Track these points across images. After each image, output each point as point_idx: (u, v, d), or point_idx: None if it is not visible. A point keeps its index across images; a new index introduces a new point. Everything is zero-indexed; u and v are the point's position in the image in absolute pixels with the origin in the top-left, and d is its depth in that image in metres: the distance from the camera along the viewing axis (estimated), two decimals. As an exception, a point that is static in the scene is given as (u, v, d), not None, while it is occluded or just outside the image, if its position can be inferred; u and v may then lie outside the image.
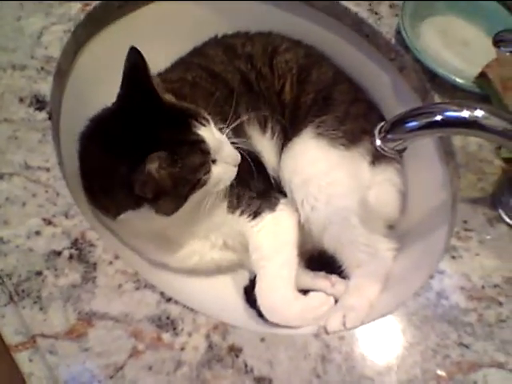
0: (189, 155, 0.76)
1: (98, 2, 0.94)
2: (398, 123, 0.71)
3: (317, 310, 0.84)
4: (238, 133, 0.91)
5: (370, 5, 1.00)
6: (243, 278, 0.93)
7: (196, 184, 0.78)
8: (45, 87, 0.84)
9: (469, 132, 0.70)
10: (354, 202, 0.90)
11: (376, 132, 0.72)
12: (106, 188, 0.79)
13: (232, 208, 0.87)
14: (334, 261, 0.90)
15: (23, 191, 0.75)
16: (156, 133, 0.75)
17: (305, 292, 0.87)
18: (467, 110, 0.66)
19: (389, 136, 0.71)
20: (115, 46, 0.93)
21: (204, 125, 0.79)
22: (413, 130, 0.70)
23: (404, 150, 0.73)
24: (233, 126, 0.86)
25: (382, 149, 0.72)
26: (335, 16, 1.02)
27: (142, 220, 0.79)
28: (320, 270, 0.93)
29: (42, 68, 0.86)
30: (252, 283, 0.87)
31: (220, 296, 0.90)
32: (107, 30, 0.99)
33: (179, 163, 0.75)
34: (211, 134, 0.79)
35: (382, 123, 0.73)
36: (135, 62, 0.78)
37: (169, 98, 0.82)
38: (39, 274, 0.69)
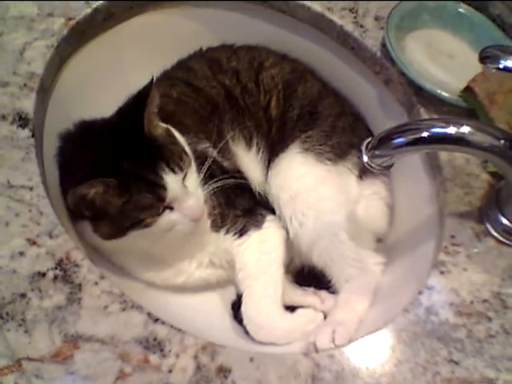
0: (139, 193, 0.74)
1: (81, 16, 0.94)
2: (385, 140, 0.71)
3: (305, 326, 0.84)
4: (223, 150, 0.92)
5: (355, 18, 1.00)
6: (231, 294, 0.93)
7: (137, 223, 0.76)
8: (28, 104, 0.83)
9: (455, 148, 0.71)
10: (342, 217, 0.90)
11: (363, 148, 0.73)
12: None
13: (216, 227, 0.87)
14: (322, 276, 0.91)
15: (6, 211, 0.74)
16: (120, 160, 0.74)
17: (294, 308, 0.87)
18: (454, 126, 0.67)
19: (376, 152, 0.72)
20: (99, 60, 0.94)
21: (174, 172, 0.77)
22: (400, 146, 0.70)
23: (391, 166, 0.74)
24: (219, 146, 0.86)
25: (369, 165, 0.72)
26: (320, 29, 1.03)
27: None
28: (309, 285, 0.94)
29: (25, 84, 0.85)
30: (239, 299, 0.87)
31: (208, 313, 0.90)
32: (91, 44, 0.98)
33: (125, 196, 0.74)
34: (177, 182, 0.77)
35: (369, 139, 0.73)
36: (145, 91, 0.78)
37: (161, 130, 0.81)
38: (23, 296, 0.68)
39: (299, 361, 0.68)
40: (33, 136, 0.81)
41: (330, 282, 0.90)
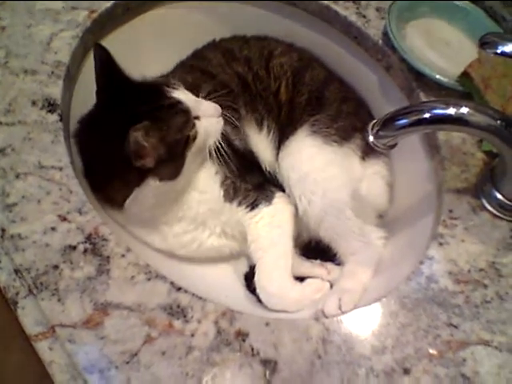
0: (171, 117, 0.77)
1: (103, 9, 0.93)
2: (389, 121, 0.71)
3: (313, 295, 0.84)
4: (237, 131, 0.92)
5: (358, 9, 0.99)
6: (244, 265, 0.93)
7: (187, 141, 0.78)
8: (55, 91, 0.83)
9: (455, 128, 0.71)
10: (347, 195, 0.89)
11: (369, 129, 0.72)
12: (108, 176, 0.79)
13: (229, 198, 0.87)
14: (329, 249, 0.91)
15: (38, 189, 0.75)
16: (135, 109, 0.76)
17: (302, 279, 0.87)
18: (453, 107, 0.67)
19: (381, 133, 0.72)
20: (120, 49, 0.92)
21: (176, 88, 0.80)
22: (403, 127, 0.70)
23: (395, 145, 0.73)
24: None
25: (375, 145, 0.72)
26: (326, 20, 1.02)
27: (145, 200, 0.79)
28: (316, 258, 0.93)
29: (53, 72, 0.85)
30: (251, 270, 0.87)
31: (224, 283, 0.90)
32: (112, 34, 0.98)
33: (164, 127, 0.76)
34: (185, 94, 0.80)
35: (374, 121, 0.73)
36: (102, 56, 0.79)
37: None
38: (56, 267, 0.69)
39: (311, 325, 0.69)
40: (61, 120, 0.81)
41: (335, 254, 0.90)
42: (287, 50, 1.02)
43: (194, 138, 0.79)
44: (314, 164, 0.90)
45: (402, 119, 0.70)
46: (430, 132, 0.87)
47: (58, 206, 0.74)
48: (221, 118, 0.83)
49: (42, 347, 0.64)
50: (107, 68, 0.79)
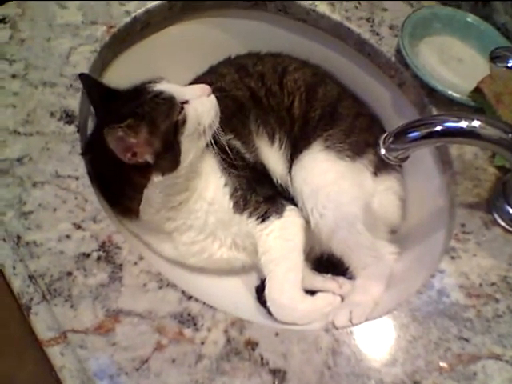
0: (154, 108, 0.78)
1: (122, 24, 0.96)
2: (401, 134, 0.72)
3: (324, 308, 0.85)
4: (247, 143, 0.94)
5: (372, 26, 1.01)
6: (255, 279, 0.94)
7: (176, 126, 0.79)
8: (73, 103, 0.85)
9: (467, 141, 0.72)
10: (359, 210, 0.90)
11: (380, 142, 0.74)
12: (118, 187, 0.81)
13: (239, 209, 0.88)
14: (340, 264, 0.91)
15: (54, 198, 0.76)
16: (121, 113, 0.77)
17: (313, 293, 0.88)
18: (465, 120, 0.68)
19: (392, 146, 0.73)
20: (138, 65, 0.97)
21: (158, 82, 0.82)
22: (415, 139, 0.71)
23: (406, 158, 0.75)
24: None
25: (387, 157, 0.73)
26: (339, 37, 1.04)
27: (155, 199, 0.81)
28: (327, 272, 0.94)
29: (71, 85, 0.87)
30: (262, 284, 0.88)
31: (235, 295, 0.90)
32: (131, 50, 1.00)
33: (147, 119, 0.77)
34: (166, 84, 0.82)
35: (386, 134, 0.74)
36: (87, 81, 0.85)
37: None
38: (70, 274, 0.70)
39: (320, 336, 0.69)
40: (78, 131, 0.83)
41: (347, 269, 0.91)
42: (301, 66, 1.04)
43: (184, 122, 0.79)
44: (326, 178, 0.91)
45: (413, 132, 0.71)
46: (442, 146, 0.89)
47: (73, 214, 0.75)
48: (212, 96, 0.83)
49: (54, 352, 0.65)
50: (94, 88, 0.84)
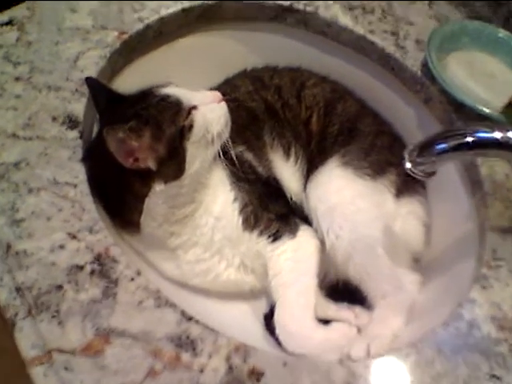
0: (159, 112, 0.75)
1: (134, 31, 0.93)
2: (428, 145, 0.67)
3: (339, 340, 0.79)
4: (260, 156, 0.90)
5: (397, 40, 0.98)
6: (264, 305, 0.88)
7: (182, 132, 0.75)
8: (78, 107, 0.82)
9: (500, 154, 0.66)
10: (378, 232, 0.85)
11: (406, 154, 0.69)
12: (118, 195, 0.77)
13: (249, 227, 0.83)
14: (357, 292, 0.85)
15: (50, 206, 0.73)
16: (124, 116, 0.74)
17: (326, 323, 0.81)
18: (499, 131, 0.62)
19: (418, 159, 0.68)
20: (148, 75, 0.92)
21: (166, 86, 0.79)
22: (443, 152, 0.66)
23: (434, 173, 0.69)
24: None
25: (412, 171, 0.68)
26: (361, 51, 1.00)
27: (157, 210, 0.77)
28: (343, 300, 0.88)
29: (77, 90, 0.84)
30: (272, 311, 0.82)
31: (240, 320, 0.85)
32: (141, 59, 0.97)
33: (151, 122, 0.73)
34: (174, 88, 0.79)
35: (411, 146, 0.69)
36: (93, 83, 0.82)
37: None
38: (60, 287, 0.66)
39: (334, 368, 0.63)
40: (81, 137, 0.80)
41: (364, 297, 0.85)
42: (320, 81, 1.01)
43: (191, 127, 0.76)
44: (343, 196, 0.86)
45: (441, 143, 0.66)
46: (471, 165, 0.83)
47: (69, 223, 0.71)
48: (223, 104, 0.80)
49: (37, 373, 0.60)
50: (101, 93, 0.81)
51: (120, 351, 0.62)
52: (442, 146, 0.65)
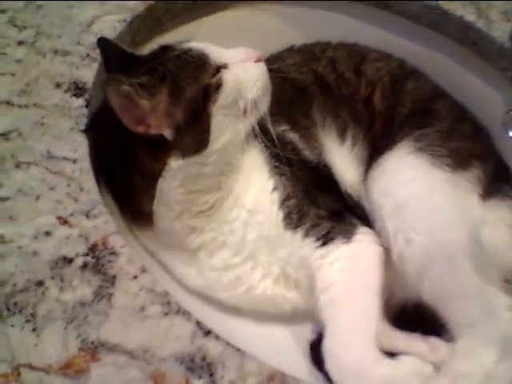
0: (178, 68, 0.64)
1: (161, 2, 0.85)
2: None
3: (409, 379, 0.63)
4: (307, 137, 0.78)
5: (478, 8, 0.85)
6: (308, 331, 0.73)
7: (207, 92, 0.63)
8: (87, 74, 0.75)
9: None
10: (463, 238, 0.69)
11: (508, 119, 0.52)
12: (127, 174, 0.66)
13: (291, 225, 0.70)
14: (433, 317, 0.69)
15: (40, 183, 0.63)
16: (137, 73, 0.63)
17: (392, 356, 0.65)
18: None
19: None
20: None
21: (189, 41, 0.69)
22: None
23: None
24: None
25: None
26: (433, 25, 0.88)
27: (172, 195, 0.65)
28: (414, 328, 0.73)
29: (88, 55, 0.77)
30: (320, 338, 0.67)
31: (277, 347, 0.70)
32: (169, 34, 0.88)
33: (169, 79, 0.63)
34: (200, 43, 0.68)
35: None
36: (109, 47, 0.71)
37: None
38: (40, 284, 0.55)
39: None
40: (87, 106, 0.71)
41: (443, 325, 0.68)
42: (384, 56, 0.89)
43: (218, 87, 0.64)
44: (416, 189, 0.72)
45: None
46: None
47: (61, 205, 0.61)
48: (262, 65, 0.68)
49: (-1, 395, 0.49)
50: (114, 54, 0.70)
51: (110, 372, 0.49)
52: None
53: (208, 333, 0.52)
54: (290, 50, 0.91)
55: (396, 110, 0.81)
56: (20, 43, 0.79)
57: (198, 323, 0.53)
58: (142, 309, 0.54)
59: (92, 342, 0.51)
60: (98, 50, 0.75)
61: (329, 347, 0.64)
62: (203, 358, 0.51)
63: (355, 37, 0.91)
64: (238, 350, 0.52)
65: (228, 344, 0.52)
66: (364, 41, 0.91)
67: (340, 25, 0.95)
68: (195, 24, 0.91)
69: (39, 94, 0.72)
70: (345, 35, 0.91)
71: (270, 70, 0.70)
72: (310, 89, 0.82)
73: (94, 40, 0.75)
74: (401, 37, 0.91)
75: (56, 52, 0.77)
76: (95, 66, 0.75)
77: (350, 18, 0.95)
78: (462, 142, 0.78)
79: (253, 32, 0.92)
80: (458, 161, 0.75)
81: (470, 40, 0.85)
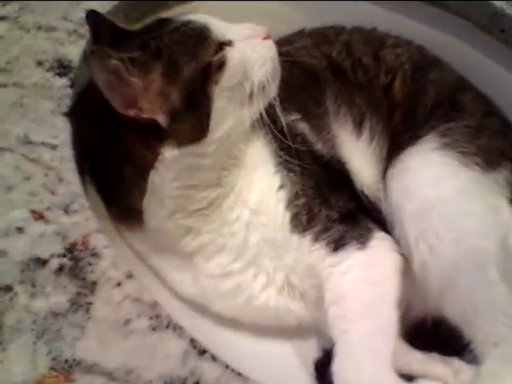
0: (174, 43, 0.58)
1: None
2: None
3: (428, 405, 0.59)
4: (319, 128, 0.72)
5: (507, -6, 0.79)
6: (315, 348, 0.69)
7: (207, 71, 0.57)
8: (73, 51, 0.70)
9: None
10: (493, 247, 0.63)
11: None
12: (111, 165, 0.60)
13: (299, 228, 0.64)
14: (456, 336, 0.64)
15: (14, 172, 0.57)
16: (128, 48, 0.57)
17: (409, 380, 0.63)
18: None
19: None
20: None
21: (190, 13, 0.64)
22: None
23: None
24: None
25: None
26: (453, 10, 0.82)
27: (166, 190, 0.59)
28: (433, 348, 0.69)
29: (75, 31, 0.72)
30: (327, 356, 0.62)
31: (279, 366, 0.65)
32: (167, 12, 0.80)
33: (164, 55, 0.57)
34: (203, 16, 0.62)
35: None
36: (98, 21, 0.64)
37: None
38: (8, 289, 0.49)
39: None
40: (71, 86, 0.65)
41: (466, 345, 0.63)
42: (404, 42, 0.82)
43: (221, 66, 0.58)
44: (443, 191, 0.67)
45: None
46: None
47: (37, 197, 0.56)
48: (270, 42, 0.62)
49: None
50: (104, 29, 0.65)
51: (86, 396, 0.42)
52: None
53: (203, 352, 0.47)
54: (300, 33, 0.85)
55: (419, 100, 0.75)
56: (2, 18, 0.73)
57: (192, 341, 0.48)
58: (126, 322, 0.48)
59: (65, 361, 0.45)
60: (86, 27, 0.68)
61: (339, 368, 0.58)
62: (197, 383, 0.45)
63: (376, 23, 0.84)
64: (238, 373, 0.45)
65: (227, 367, 0.45)
66: (386, 26, 0.83)
67: (357, 11, 0.88)
68: (194, 4, 0.83)
69: (20, 73, 0.67)
70: (363, 21, 0.83)
71: (281, 54, 0.63)
72: (322, 74, 0.76)
73: (83, 16, 0.67)
74: (423, 24, 0.85)
75: (39, 28, 0.72)
76: (82, 43, 0.70)
77: (370, 4, 0.88)
78: (492, 139, 0.72)
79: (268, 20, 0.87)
80: (488, 160, 0.69)
81: (497, 27, 0.79)
